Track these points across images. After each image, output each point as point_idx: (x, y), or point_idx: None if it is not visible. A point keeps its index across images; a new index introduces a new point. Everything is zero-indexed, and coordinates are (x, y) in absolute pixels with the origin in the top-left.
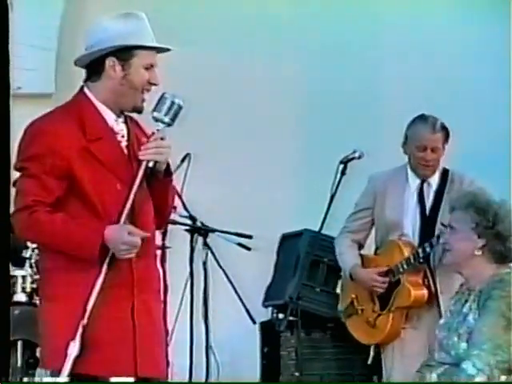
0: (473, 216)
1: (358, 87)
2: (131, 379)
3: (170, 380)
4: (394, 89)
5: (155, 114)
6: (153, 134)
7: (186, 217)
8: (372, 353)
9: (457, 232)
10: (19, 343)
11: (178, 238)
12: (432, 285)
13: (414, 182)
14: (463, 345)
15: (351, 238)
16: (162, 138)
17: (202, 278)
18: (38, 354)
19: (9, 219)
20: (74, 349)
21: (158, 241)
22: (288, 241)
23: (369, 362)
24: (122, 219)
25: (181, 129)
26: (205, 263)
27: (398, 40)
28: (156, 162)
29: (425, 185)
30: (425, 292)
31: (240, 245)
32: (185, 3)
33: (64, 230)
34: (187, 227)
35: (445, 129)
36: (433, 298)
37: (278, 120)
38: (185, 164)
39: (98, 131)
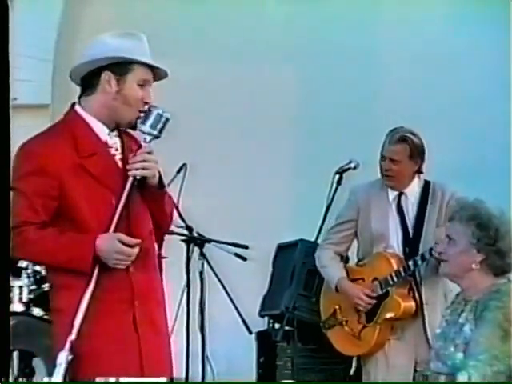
0: (474, 231)
1: (354, 97)
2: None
3: None
4: (392, 98)
5: (141, 126)
6: (140, 147)
7: (182, 227)
8: (354, 364)
9: (456, 244)
10: (15, 353)
11: (175, 248)
12: (417, 296)
13: (391, 194)
14: (459, 355)
15: (334, 249)
16: (149, 153)
17: (199, 288)
18: (34, 364)
19: (9, 230)
20: (63, 359)
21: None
22: (284, 251)
23: (351, 373)
24: (110, 231)
25: (177, 139)
26: (201, 273)
27: (397, 47)
28: (144, 177)
29: (402, 197)
30: (413, 304)
31: (236, 255)
32: (179, 9)
33: (55, 245)
34: (183, 237)
35: (405, 141)
36: (418, 309)
37: (274, 130)
38: (181, 174)
39: (91, 147)
